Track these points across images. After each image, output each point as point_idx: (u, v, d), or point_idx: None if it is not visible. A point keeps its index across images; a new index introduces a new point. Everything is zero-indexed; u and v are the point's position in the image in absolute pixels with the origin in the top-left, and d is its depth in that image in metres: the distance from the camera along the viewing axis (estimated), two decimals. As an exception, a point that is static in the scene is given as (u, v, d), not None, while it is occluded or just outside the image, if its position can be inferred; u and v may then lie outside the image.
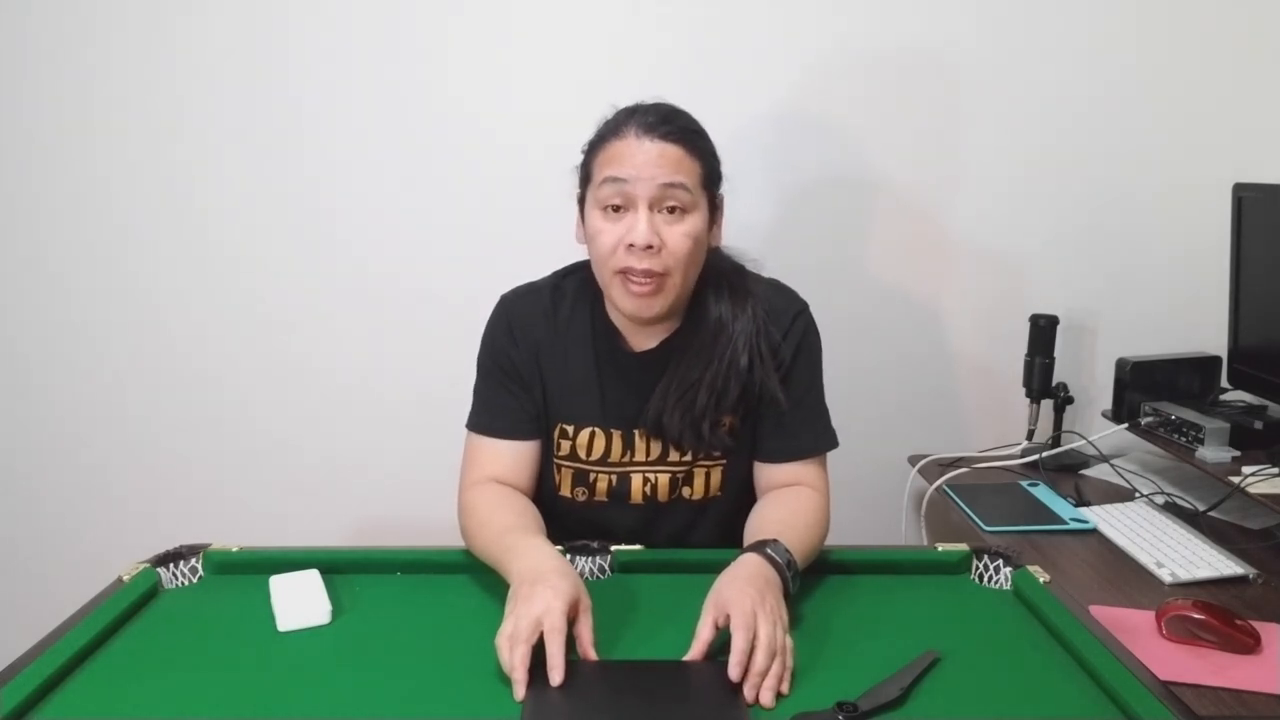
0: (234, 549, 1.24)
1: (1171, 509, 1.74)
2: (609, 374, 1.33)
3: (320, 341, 2.07)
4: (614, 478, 1.34)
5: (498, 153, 1.98)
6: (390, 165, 1.99)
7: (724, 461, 1.34)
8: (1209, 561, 1.50)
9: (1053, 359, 1.98)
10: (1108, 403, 1.97)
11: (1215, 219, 1.83)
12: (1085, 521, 1.68)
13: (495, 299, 1.38)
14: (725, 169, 1.30)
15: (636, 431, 1.32)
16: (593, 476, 1.35)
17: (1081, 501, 1.78)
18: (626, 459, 1.34)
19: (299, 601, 1.11)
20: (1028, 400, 2.02)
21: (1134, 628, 1.30)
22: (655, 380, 1.30)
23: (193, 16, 1.92)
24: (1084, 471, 1.96)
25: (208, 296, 2.05)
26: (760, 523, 1.24)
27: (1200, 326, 1.93)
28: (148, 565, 1.19)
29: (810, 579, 1.19)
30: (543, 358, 1.33)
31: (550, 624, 0.97)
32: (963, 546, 1.25)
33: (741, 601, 1.00)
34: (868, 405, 2.07)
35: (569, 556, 1.21)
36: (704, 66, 1.93)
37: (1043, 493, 1.82)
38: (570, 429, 1.33)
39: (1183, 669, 1.21)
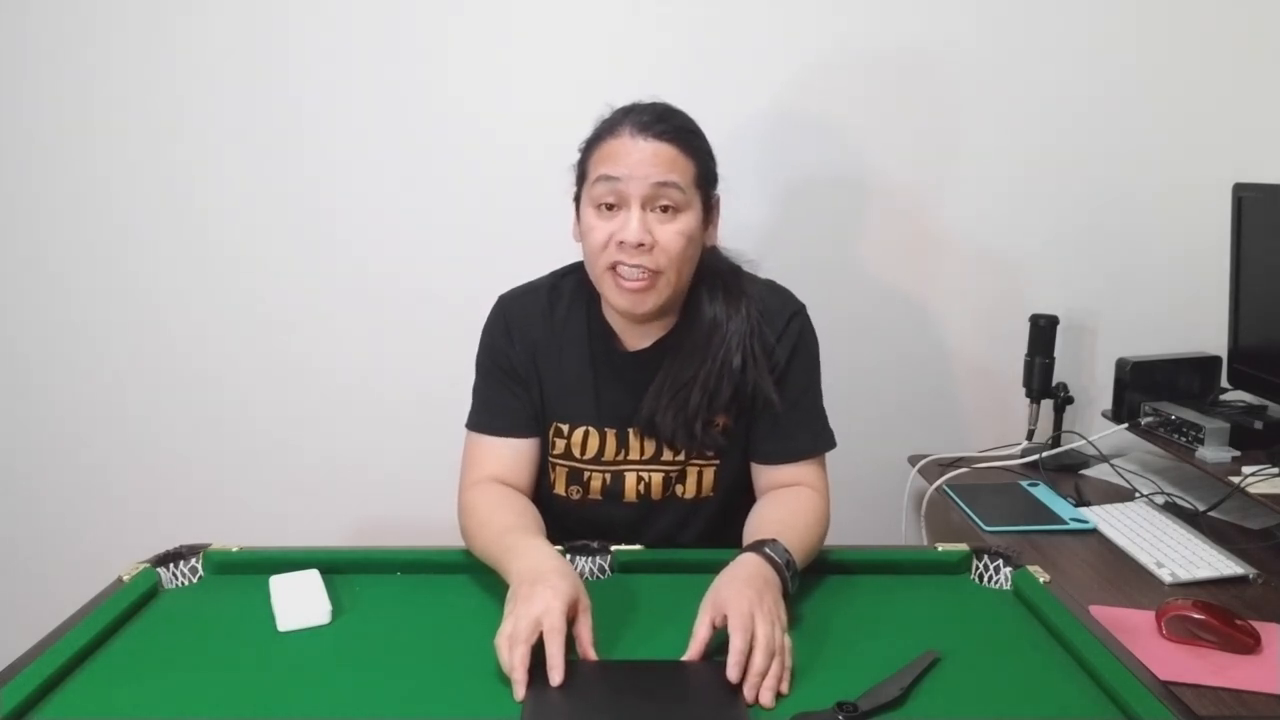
0: (234, 549, 1.24)
1: (1171, 509, 1.74)
2: (604, 373, 1.33)
3: (320, 341, 2.07)
4: (608, 476, 1.35)
5: (497, 152, 1.98)
6: (390, 165, 1.99)
7: (717, 461, 1.35)
8: (1209, 561, 1.50)
9: (1053, 359, 1.98)
10: (1108, 403, 1.97)
11: (1215, 219, 1.83)
12: (1085, 521, 1.68)
13: (495, 299, 1.38)
14: (724, 169, 1.30)
15: (631, 430, 1.33)
16: (587, 475, 1.35)
17: (1081, 501, 1.77)
18: (621, 457, 1.34)
19: (299, 601, 1.11)
20: (1028, 400, 2.02)
21: (1134, 628, 1.30)
22: (650, 380, 1.31)
23: (193, 17, 1.92)
24: (1084, 471, 1.96)
25: (208, 296, 2.05)
26: (759, 523, 1.24)
27: (1200, 326, 1.93)
28: (148, 565, 1.19)
29: (810, 579, 1.19)
30: (539, 357, 1.33)
31: (550, 624, 0.97)
32: (963, 546, 1.25)
33: (738, 602, 1.00)
34: (868, 405, 2.07)
35: (569, 556, 1.21)
36: (703, 66, 1.93)
37: (1043, 493, 1.82)
38: (565, 428, 1.34)
39: (1183, 669, 1.21)
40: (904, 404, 2.11)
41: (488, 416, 1.34)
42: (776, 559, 1.10)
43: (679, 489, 1.36)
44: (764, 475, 1.35)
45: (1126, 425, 1.88)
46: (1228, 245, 1.80)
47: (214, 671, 1.00)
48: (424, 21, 1.93)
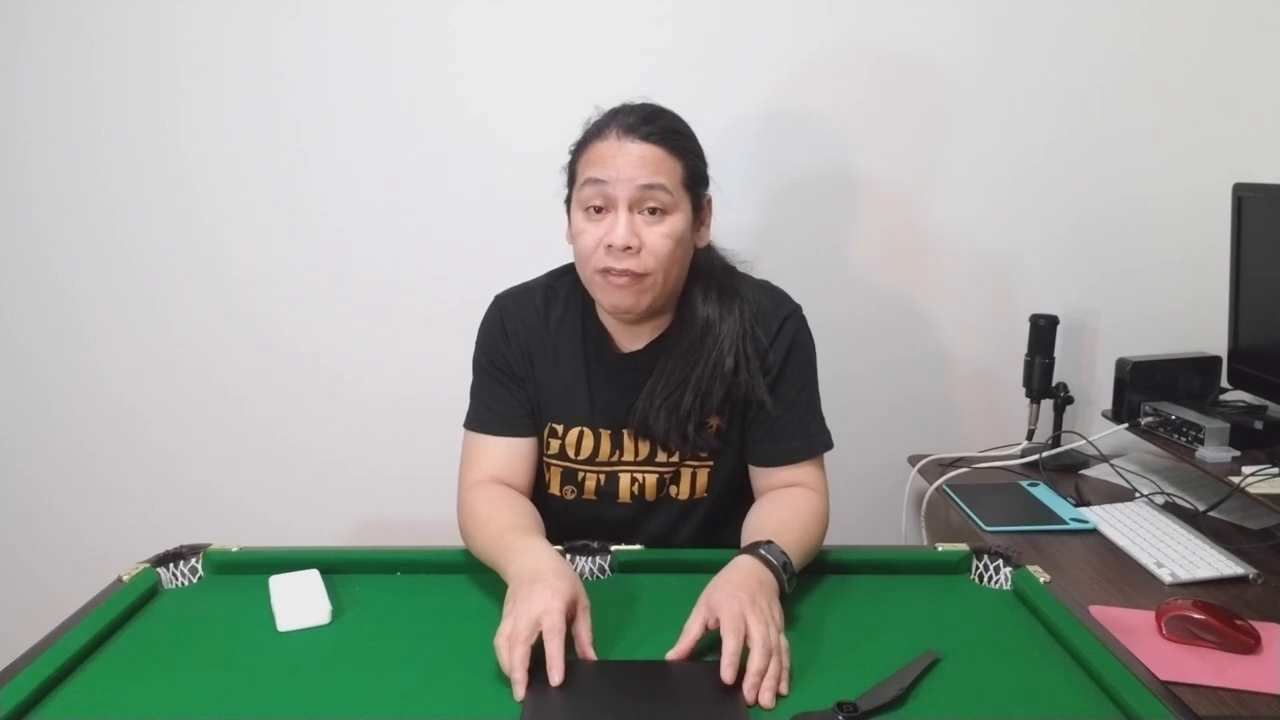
0: (234, 549, 1.24)
1: (1171, 509, 1.74)
2: (598, 374, 1.33)
3: (320, 342, 2.07)
4: (602, 477, 1.35)
5: (496, 152, 1.98)
6: (389, 165, 1.99)
7: (711, 463, 1.35)
8: (1209, 561, 1.50)
9: (1053, 359, 1.98)
10: (1108, 403, 1.97)
11: (1215, 219, 1.83)
12: (1085, 521, 1.68)
13: (493, 299, 1.39)
14: (720, 169, 1.30)
15: (625, 431, 1.33)
16: (581, 475, 1.35)
17: (1081, 501, 1.78)
18: (615, 458, 1.34)
19: (299, 601, 1.11)
20: (1028, 400, 2.02)
21: (1134, 628, 1.30)
22: (643, 381, 1.31)
23: (193, 17, 1.92)
24: (1084, 471, 1.96)
25: (208, 296, 2.05)
26: (757, 524, 1.24)
27: (1200, 326, 1.93)
28: (148, 565, 1.19)
29: (810, 579, 1.19)
30: (534, 357, 1.34)
31: (549, 624, 0.97)
32: (963, 546, 1.25)
33: (730, 605, 1.00)
34: (868, 405, 2.07)
35: (569, 556, 1.21)
36: (698, 66, 1.93)
37: (1043, 493, 1.82)
38: (560, 428, 1.34)
39: (1183, 669, 1.21)
40: (904, 404, 2.11)
41: (486, 416, 1.34)
42: (772, 560, 1.10)
43: (673, 489, 1.36)
44: (762, 477, 1.35)
45: (1126, 425, 1.88)
46: (1228, 245, 1.80)
47: (214, 671, 1.00)
48: (422, 22, 1.93)
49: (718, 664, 0.96)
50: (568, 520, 1.36)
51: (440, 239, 2.02)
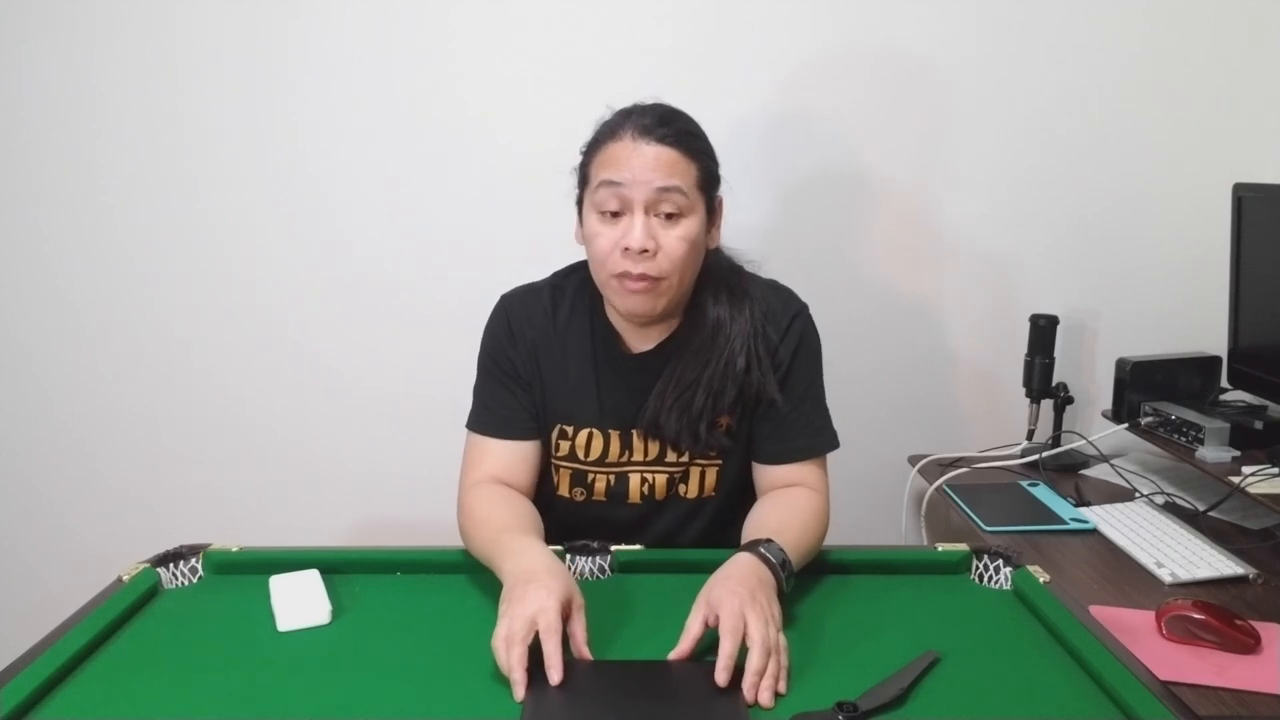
0: (234, 549, 1.24)
1: (1171, 509, 1.74)
2: (607, 375, 1.33)
3: (321, 342, 2.07)
4: (612, 478, 1.35)
5: (497, 153, 1.98)
6: (392, 166, 1.99)
7: (720, 462, 1.35)
8: (1209, 561, 1.50)
9: (1053, 359, 1.98)
10: (1108, 403, 1.97)
11: (1215, 219, 1.83)
12: (1085, 521, 1.68)
13: (496, 298, 1.38)
14: (723, 168, 1.30)
15: (634, 431, 1.32)
16: (591, 477, 1.35)
17: (1081, 501, 1.78)
18: (624, 459, 1.34)
19: (299, 601, 1.11)
20: (1028, 400, 2.02)
21: (1134, 628, 1.30)
22: (653, 381, 1.30)
23: (194, 17, 1.92)
24: (1084, 471, 1.96)
25: (208, 296, 2.05)
26: (757, 522, 1.24)
27: (1200, 326, 1.93)
28: (148, 565, 1.19)
29: (810, 579, 1.19)
30: (541, 358, 1.33)
31: (545, 623, 0.97)
32: (963, 546, 1.25)
33: (730, 602, 1.00)
34: (868, 405, 2.07)
35: (569, 556, 1.21)
36: (698, 66, 1.93)
37: (1043, 493, 1.82)
38: (569, 429, 1.34)
39: (1183, 669, 1.21)
40: (904, 404, 2.11)
41: (488, 418, 1.34)
42: (771, 558, 1.10)
43: (681, 489, 1.36)
44: (765, 475, 1.35)
45: (1126, 425, 1.88)
46: (1228, 245, 1.80)
47: (214, 671, 1.00)
48: (423, 22, 1.93)
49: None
50: (576, 522, 1.35)
51: (439, 239, 2.02)
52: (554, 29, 1.94)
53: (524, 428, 1.33)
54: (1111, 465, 1.92)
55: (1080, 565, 1.54)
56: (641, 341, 1.33)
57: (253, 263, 2.03)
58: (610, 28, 1.93)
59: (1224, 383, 1.88)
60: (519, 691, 0.94)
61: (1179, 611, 1.29)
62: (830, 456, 1.36)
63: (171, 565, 1.21)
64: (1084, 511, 1.72)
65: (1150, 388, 1.89)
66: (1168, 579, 1.47)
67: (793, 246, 1.99)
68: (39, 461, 2.12)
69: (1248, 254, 1.78)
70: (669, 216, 1.21)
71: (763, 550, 1.11)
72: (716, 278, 1.32)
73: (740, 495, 1.38)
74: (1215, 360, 1.90)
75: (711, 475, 1.35)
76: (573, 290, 1.35)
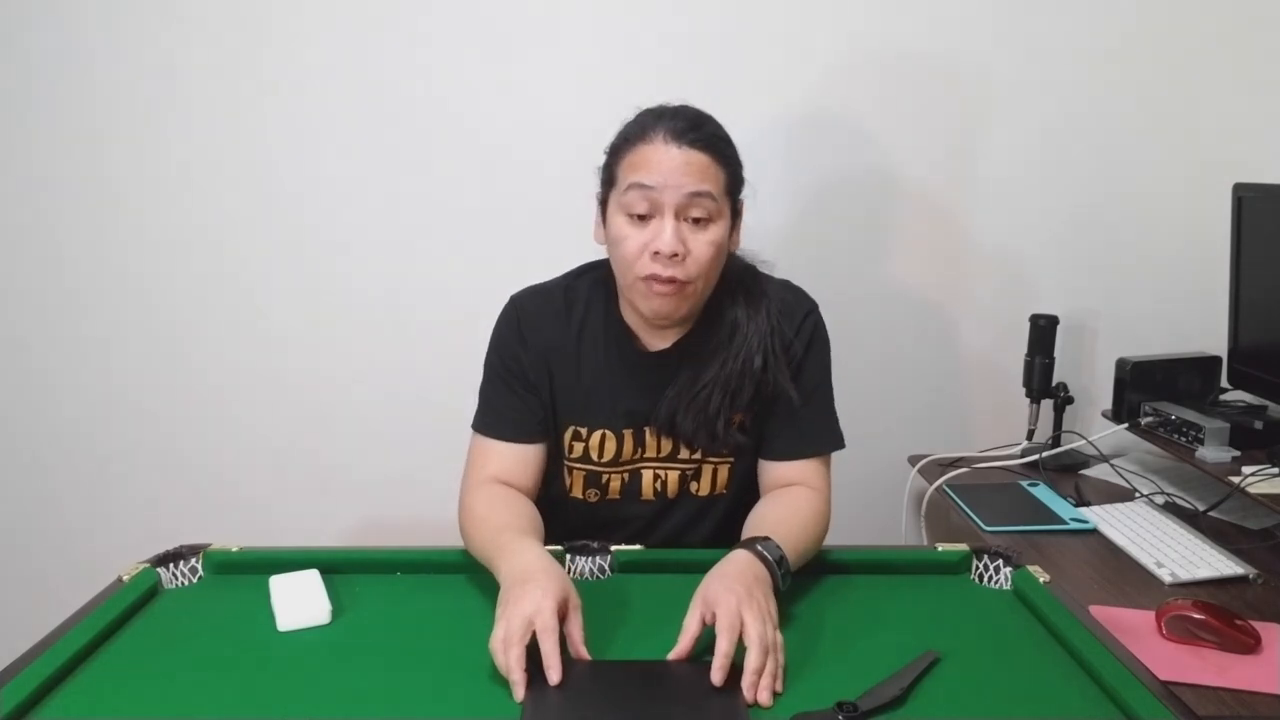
0: (234, 549, 1.24)
1: (1171, 509, 1.74)
2: (621, 375, 1.32)
3: (321, 342, 2.06)
4: (626, 476, 1.35)
5: (508, 156, 1.97)
6: (397, 168, 1.98)
7: (732, 459, 1.35)
8: (1209, 561, 1.50)
9: (1053, 359, 1.98)
10: (1108, 403, 1.97)
11: (1215, 219, 1.83)
12: (1085, 521, 1.68)
13: (499, 299, 1.37)
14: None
15: (647, 429, 1.32)
16: (605, 477, 1.35)
17: (1081, 501, 1.78)
18: (637, 456, 1.34)
19: (299, 601, 1.11)
20: (1028, 400, 2.02)
21: (1134, 628, 1.30)
22: (668, 380, 1.30)
23: (196, 21, 1.91)
24: (1084, 471, 1.96)
25: (209, 298, 2.04)
26: (756, 521, 1.24)
27: (1200, 326, 1.93)
28: (148, 565, 1.19)
29: (810, 579, 1.19)
30: (553, 360, 1.32)
31: (542, 624, 0.97)
32: (963, 546, 1.25)
33: (727, 600, 1.00)
34: (868, 405, 2.06)
35: (569, 556, 1.21)
36: (718, 66, 1.93)
37: (1043, 493, 1.82)
38: (584, 431, 1.33)
39: (1183, 669, 1.21)
40: (904, 404, 2.11)
41: (494, 420, 1.33)
42: (768, 556, 1.10)
43: (693, 486, 1.36)
44: (769, 471, 1.35)
45: (1126, 425, 1.88)
46: (1228, 245, 1.80)
47: (214, 671, 1.00)
48: (431, 22, 1.92)
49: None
50: (588, 522, 1.35)
51: (439, 240, 2.02)
52: (571, 31, 1.93)
53: (529, 431, 1.32)
54: (1111, 465, 1.92)
55: (1080, 565, 1.54)
56: (658, 340, 1.32)
57: (254, 263, 2.03)
58: (628, 29, 1.93)
59: (1224, 383, 1.88)
60: (518, 692, 0.94)
61: (1179, 611, 1.29)
62: (831, 456, 1.36)
63: (171, 565, 1.21)
64: (1084, 511, 1.72)
65: (1150, 388, 1.89)
66: (1168, 579, 1.47)
67: (793, 246, 1.99)
68: (39, 461, 2.12)
69: (1248, 254, 1.78)
70: (697, 221, 1.20)
71: (759, 547, 1.11)
72: (732, 278, 1.32)
73: (753, 493, 1.38)
74: (1215, 360, 1.90)
75: (724, 473, 1.35)
76: (585, 291, 1.34)
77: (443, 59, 1.94)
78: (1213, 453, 1.69)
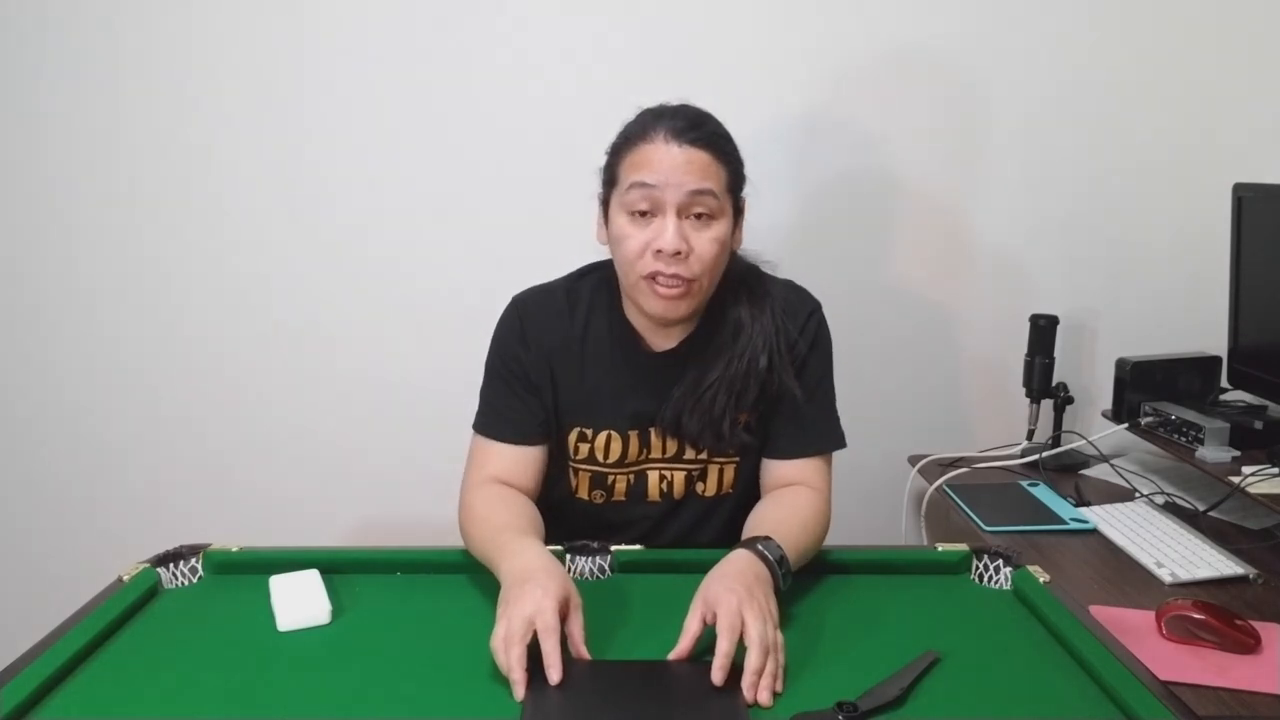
0: (234, 549, 1.24)
1: (1171, 509, 1.74)
2: (626, 376, 1.32)
3: (321, 342, 2.06)
4: (632, 477, 1.35)
5: (516, 154, 1.97)
6: (405, 166, 1.98)
7: (737, 459, 1.35)
8: (1209, 561, 1.50)
9: (1053, 359, 1.98)
10: (1108, 403, 1.97)
11: (1215, 219, 1.83)
12: (1085, 521, 1.68)
13: (501, 299, 1.37)
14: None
15: (653, 429, 1.32)
16: (611, 479, 1.35)
17: (1081, 501, 1.77)
18: (643, 457, 1.34)
19: (299, 601, 1.11)
20: (1028, 400, 2.02)
21: (1134, 628, 1.30)
22: (673, 380, 1.30)
23: (212, 17, 1.92)
24: (1084, 471, 1.96)
25: (210, 297, 2.04)
26: (757, 521, 1.24)
27: (1200, 326, 1.93)
28: (148, 565, 1.19)
29: (810, 579, 1.19)
30: (556, 361, 1.32)
31: (543, 623, 0.97)
32: (963, 546, 1.25)
33: (728, 600, 1.00)
34: (868, 405, 2.06)
35: (569, 556, 1.21)
36: (721, 67, 1.93)
37: (1043, 493, 1.82)
38: (589, 432, 1.33)
39: (1183, 669, 1.21)
40: (904, 404, 2.11)
41: (495, 421, 1.33)
42: (768, 555, 1.10)
43: (700, 487, 1.36)
44: (770, 470, 1.35)
45: (1126, 425, 1.88)
46: (1228, 245, 1.80)
47: (214, 671, 1.00)
48: (437, 18, 1.92)
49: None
50: (595, 524, 1.34)
51: (446, 240, 2.02)
52: (578, 28, 1.93)
53: (530, 433, 1.32)
54: (1111, 465, 1.92)
55: (1080, 565, 1.54)
56: (662, 340, 1.32)
57: (259, 262, 2.03)
58: (636, 27, 1.93)
59: (1224, 383, 1.88)
60: (519, 691, 0.94)
61: (1179, 611, 1.29)
62: (832, 456, 1.36)
63: (171, 565, 1.21)
64: (1084, 511, 1.72)
65: (1150, 388, 1.89)
66: (1168, 579, 1.47)
67: (792, 245, 1.99)
68: (39, 461, 2.12)
69: (1248, 254, 1.78)
70: (699, 217, 1.20)
71: (760, 547, 1.11)
72: (735, 278, 1.32)
73: (758, 492, 1.37)
74: (1215, 360, 1.90)
75: (729, 473, 1.35)
76: (589, 292, 1.34)
77: (450, 59, 1.94)
78: (1213, 453, 1.69)
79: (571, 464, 1.35)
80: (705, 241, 1.21)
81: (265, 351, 2.07)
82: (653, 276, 1.21)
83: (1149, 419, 1.84)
